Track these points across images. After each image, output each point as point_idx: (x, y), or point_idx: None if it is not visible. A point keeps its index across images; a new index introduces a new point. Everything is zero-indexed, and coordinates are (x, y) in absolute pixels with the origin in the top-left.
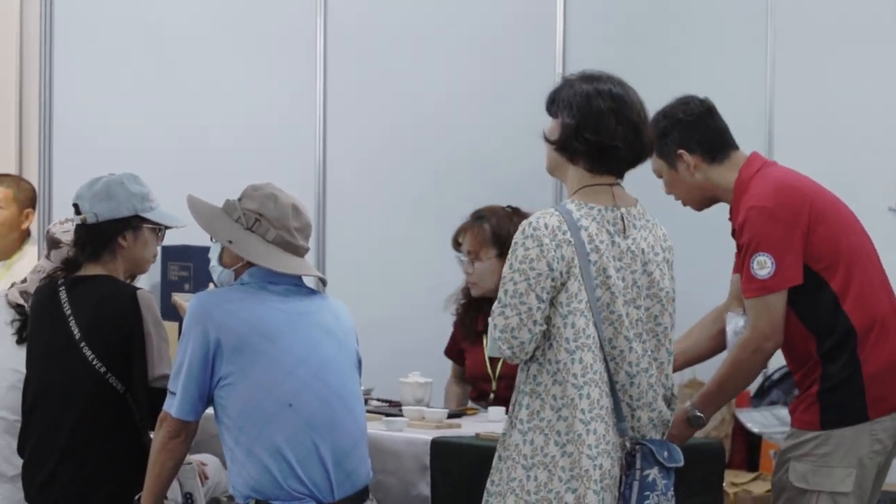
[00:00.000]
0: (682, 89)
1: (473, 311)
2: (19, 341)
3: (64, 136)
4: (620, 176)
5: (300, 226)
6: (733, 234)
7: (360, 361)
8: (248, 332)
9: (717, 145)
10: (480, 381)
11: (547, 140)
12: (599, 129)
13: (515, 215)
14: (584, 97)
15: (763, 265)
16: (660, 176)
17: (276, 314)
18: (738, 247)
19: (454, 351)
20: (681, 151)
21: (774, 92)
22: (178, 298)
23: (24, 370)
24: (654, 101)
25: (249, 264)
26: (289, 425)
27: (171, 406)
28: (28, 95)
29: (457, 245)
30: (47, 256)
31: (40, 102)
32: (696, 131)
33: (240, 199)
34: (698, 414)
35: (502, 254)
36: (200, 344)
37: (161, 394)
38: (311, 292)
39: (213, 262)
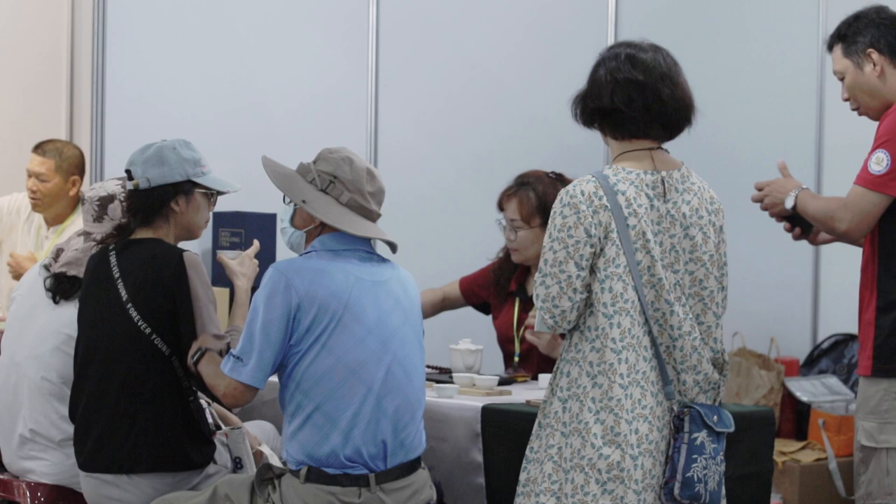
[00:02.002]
0: (732, 61)
1: (509, 271)
2: (55, 300)
3: (116, 101)
4: (658, 140)
5: (374, 190)
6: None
7: (422, 333)
8: (328, 299)
9: None
10: (506, 343)
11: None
12: (599, 95)
13: (560, 182)
14: (593, 67)
15: (879, 162)
16: (841, 78)
17: (351, 281)
18: (875, 140)
19: (471, 288)
20: (870, 51)
21: (825, 60)
22: (224, 256)
23: (66, 331)
24: (703, 70)
25: (321, 229)
26: (353, 394)
27: (241, 373)
28: (80, 59)
29: (501, 208)
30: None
31: (93, 66)
32: (888, 33)
33: (315, 162)
34: (794, 197)
35: (545, 223)
36: (281, 312)
37: None
38: (382, 261)
39: (285, 224)
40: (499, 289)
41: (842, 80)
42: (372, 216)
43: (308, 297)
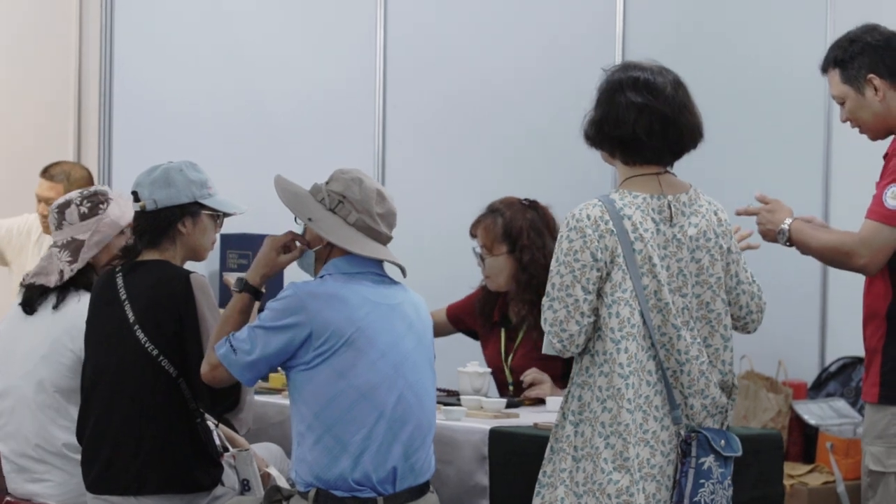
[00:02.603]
0: (739, 77)
1: (492, 300)
2: (27, 312)
3: (123, 119)
4: (665, 164)
5: (383, 212)
6: (886, 156)
7: (434, 357)
8: (341, 323)
9: None
10: (497, 373)
11: (584, 135)
12: (620, 124)
13: (531, 209)
14: (609, 91)
15: (895, 196)
16: (841, 102)
17: (366, 306)
18: (883, 171)
19: (457, 315)
20: (871, 76)
21: None
22: (230, 278)
23: (52, 336)
24: (709, 83)
25: (330, 250)
26: (364, 417)
27: (230, 363)
28: (87, 80)
29: (473, 235)
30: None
31: (100, 84)
32: (886, 55)
33: (327, 182)
34: (786, 228)
35: (513, 250)
36: (287, 333)
37: None
38: (393, 283)
39: None
40: (484, 319)
41: (841, 104)
42: (381, 238)
43: (321, 322)
